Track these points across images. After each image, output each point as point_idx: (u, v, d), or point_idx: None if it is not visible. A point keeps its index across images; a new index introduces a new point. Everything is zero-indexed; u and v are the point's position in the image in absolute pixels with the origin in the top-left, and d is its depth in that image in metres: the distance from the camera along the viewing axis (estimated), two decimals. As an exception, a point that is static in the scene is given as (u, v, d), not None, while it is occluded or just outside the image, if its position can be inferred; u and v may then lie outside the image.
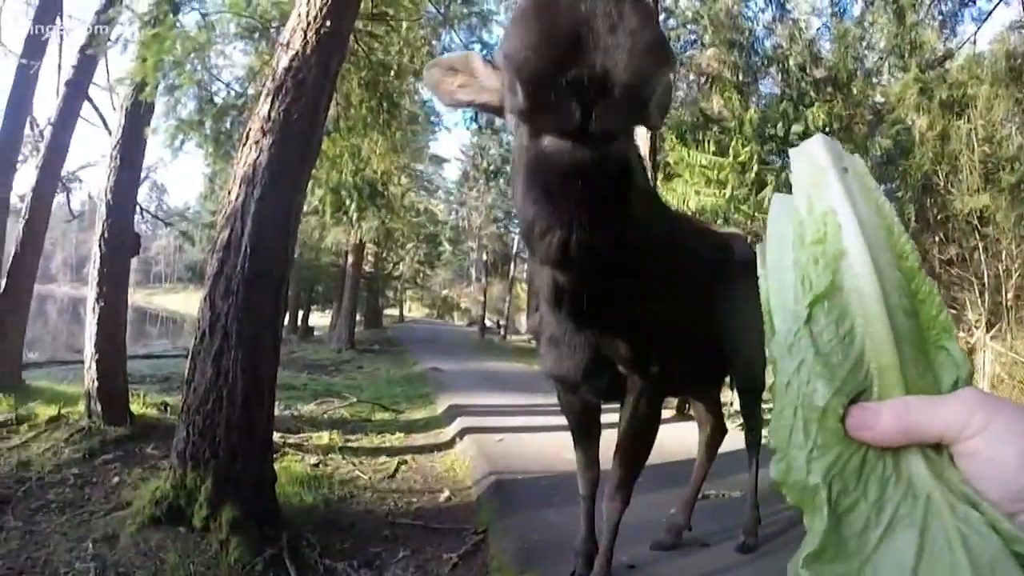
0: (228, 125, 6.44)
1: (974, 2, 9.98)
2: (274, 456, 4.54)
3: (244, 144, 3.86)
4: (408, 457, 5.74)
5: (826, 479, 0.45)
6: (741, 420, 3.84)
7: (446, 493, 4.72)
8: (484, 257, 32.21)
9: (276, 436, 5.36)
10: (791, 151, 0.55)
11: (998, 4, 9.73)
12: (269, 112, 3.76)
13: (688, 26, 13.00)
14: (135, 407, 5.72)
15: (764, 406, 3.70)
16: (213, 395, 3.57)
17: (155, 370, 10.11)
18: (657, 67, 0.71)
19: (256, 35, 6.57)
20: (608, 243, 1.37)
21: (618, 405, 2.39)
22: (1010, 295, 9.61)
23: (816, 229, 0.50)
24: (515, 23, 0.77)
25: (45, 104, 7.22)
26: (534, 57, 0.70)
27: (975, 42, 9.99)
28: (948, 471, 0.45)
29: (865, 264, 0.48)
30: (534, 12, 0.74)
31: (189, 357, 3.76)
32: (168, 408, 6.01)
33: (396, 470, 5.29)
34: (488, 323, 30.11)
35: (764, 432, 4.09)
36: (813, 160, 0.53)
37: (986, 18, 9.94)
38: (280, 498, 3.91)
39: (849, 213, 0.50)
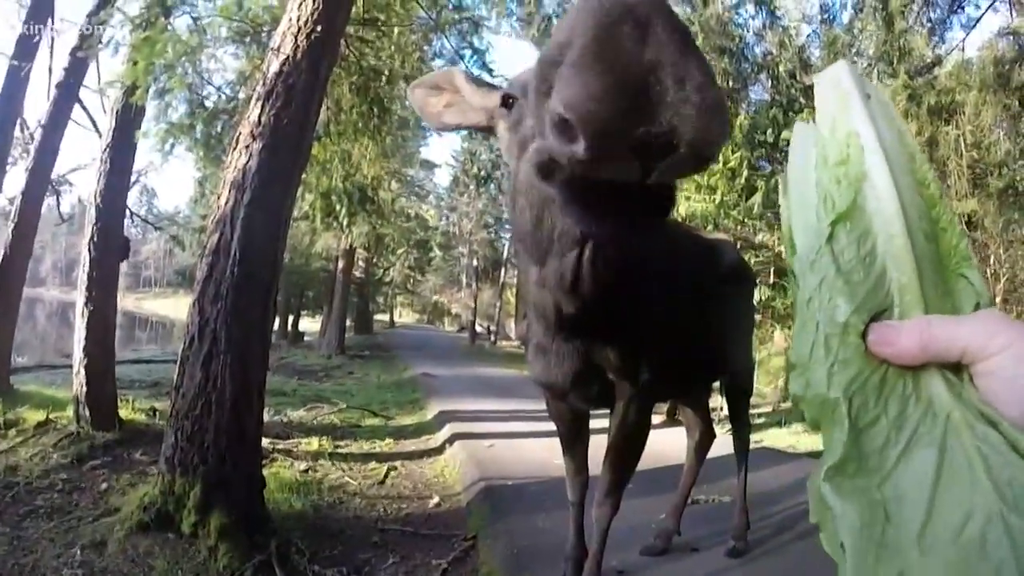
0: (219, 129, 6.42)
1: (963, 9, 10.04)
2: (263, 462, 4.52)
3: (234, 149, 3.85)
4: (398, 463, 5.73)
5: (847, 393, 0.46)
6: (730, 425, 3.84)
7: (436, 499, 4.71)
8: (474, 263, 32.17)
9: (265, 442, 5.34)
10: (815, 76, 0.57)
11: (986, 11, 9.82)
12: (259, 117, 3.76)
13: (678, 33, 13.05)
14: (124, 412, 5.69)
15: (752, 411, 3.72)
16: (202, 400, 3.55)
17: (144, 375, 10.05)
18: (723, 128, 0.70)
19: (247, 39, 6.56)
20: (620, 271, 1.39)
21: (607, 410, 2.39)
22: (998, 298, 9.68)
23: (839, 151, 0.51)
24: (577, 68, 0.73)
25: (36, 106, 7.18)
26: (601, 110, 0.66)
27: (963, 49, 10.05)
28: (967, 391, 0.45)
29: (887, 186, 0.49)
30: (598, 58, 0.70)
31: (178, 362, 3.73)
32: (157, 413, 5.98)
33: (386, 476, 5.28)
34: (478, 328, 30.11)
35: (753, 436, 4.11)
36: (837, 84, 0.54)
37: (974, 25, 10.01)
38: (269, 504, 3.89)
39: (872, 136, 0.51)
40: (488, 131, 1.53)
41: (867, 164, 0.50)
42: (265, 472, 4.20)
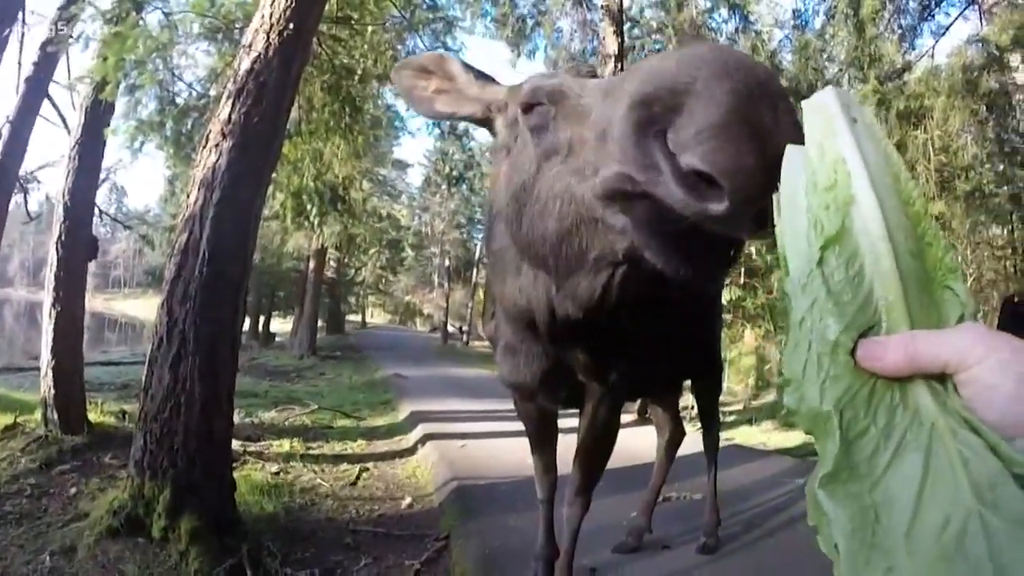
0: (189, 127, 6.35)
1: (933, 17, 10.25)
2: (234, 464, 4.47)
3: (204, 147, 3.80)
4: (370, 464, 5.70)
5: (837, 407, 0.49)
6: (700, 423, 3.88)
7: (408, 500, 4.69)
8: (447, 263, 32.15)
9: (236, 444, 5.28)
10: (803, 103, 0.60)
11: (956, 19, 10.04)
12: (230, 115, 3.71)
13: (653, 36, 13.19)
14: (93, 415, 5.59)
15: (723, 409, 3.77)
16: (171, 403, 3.50)
17: (114, 377, 9.90)
18: None
19: (219, 36, 6.50)
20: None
21: (575, 410, 2.40)
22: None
23: (827, 176, 0.54)
24: (727, 135, 0.74)
25: (3, 101, 7.01)
26: (753, 183, 0.70)
27: (933, 55, 10.25)
28: (951, 400, 0.49)
29: (873, 209, 0.52)
30: (746, 130, 0.73)
31: (146, 364, 3.67)
32: (126, 416, 5.88)
33: (358, 477, 5.25)
34: (451, 329, 30.11)
35: (723, 434, 4.18)
36: (824, 111, 0.57)
37: (944, 32, 10.22)
38: (240, 507, 3.85)
39: (858, 161, 0.53)
40: (481, 124, 1.49)
41: (854, 188, 0.53)
42: (236, 474, 4.16)
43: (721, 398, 3.97)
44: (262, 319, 25.50)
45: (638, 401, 6.78)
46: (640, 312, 1.60)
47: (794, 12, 12.29)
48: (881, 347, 0.50)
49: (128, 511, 3.39)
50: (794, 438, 7.61)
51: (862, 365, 0.50)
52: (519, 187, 1.25)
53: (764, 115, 0.70)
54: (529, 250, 1.29)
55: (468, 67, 1.49)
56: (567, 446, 2.54)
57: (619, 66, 9.26)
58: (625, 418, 7.40)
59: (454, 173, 30.36)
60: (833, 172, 0.54)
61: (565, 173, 1.11)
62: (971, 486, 0.44)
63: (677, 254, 0.94)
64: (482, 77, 1.50)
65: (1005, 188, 10.16)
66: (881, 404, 0.49)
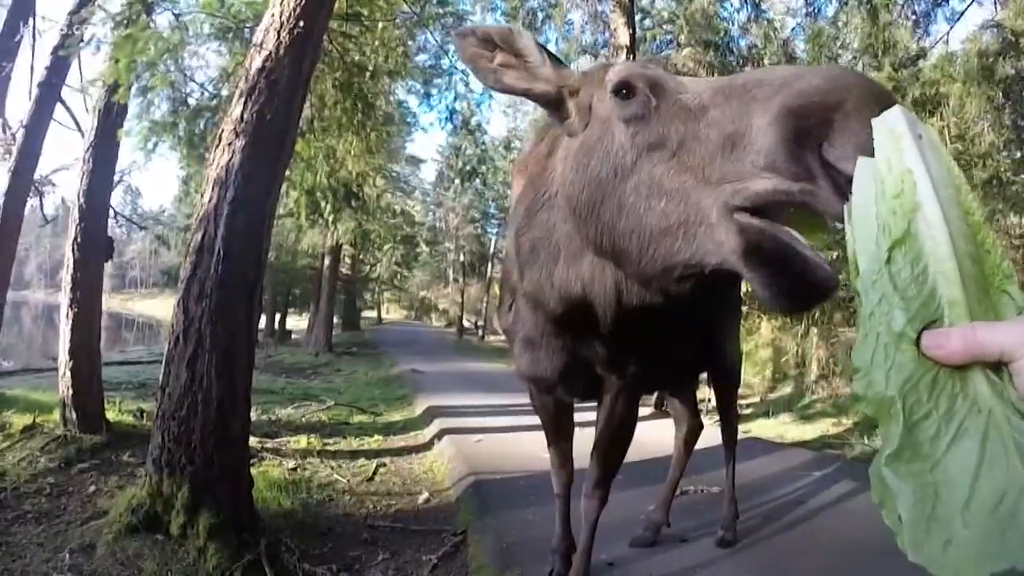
0: (201, 127, 6.37)
1: (947, 2, 10.10)
2: (252, 461, 4.51)
3: (217, 146, 3.82)
4: (386, 459, 5.72)
5: (901, 392, 0.54)
6: (718, 416, 3.85)
7: (425, 495, 4.70)
8: (461, 258, 32.12)
9: (254, 441, 5.31)
10: (873, 120, 0.66)
11: (971, 4, 9.88)
12: (242, 114, 3.72)
13: (664, 26, 13.11)
14: (111, 414, 5.64)
15: (740, 401, 3.74)
16: (188, 400, 3.52)
17: (131, 376, 9.96)
18: None
19: (230, 35, 6.52)
20: None
21: (592, 402, 2.39)
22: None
23: (895, 186, 0.60)
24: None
25: (17, 106, 7.07)
26: None
27: (948, 41, 10.09)
28: (1007, 390, 0.53)
29: (937, 216, 0.57)
30: None
31: (163, 363, 3.70)
32: (144, 415, 5.93)
33: (374, 473, 5.27)
34: (466, 324, 30.11)
35: (741, 427, 4.14)
36: (892, 127, 0.63)
37: (959, 18, 10.06)
38: (258, 503, 3.87)
39: (923, 173, 0.59)
40: (547, 105, 1.45)
41: (919, 197, 0.58)
42: (253, 471, 4.18)
43: (739, 391, 3.94)
44: (278, 316, 25.63)
45: (655, 394, 6.75)
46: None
47: (806, 0, 12.17)
48: (944, 336, 0.54)
49: (146, 508, 3.42)
50: (811, 431, 7.56)
51: (926, 354, 0.55)
52: (605, 174, 1.22)
53: None
54: (605, 240, 1.26)
55: (540, 46, 1.46)
56: (584, 440, 2.53)
57: (631, 57, 9.19)
58: (643, 411, 7.34)
59: (467, 168, 30.29)
60: (900, 182, 0.59)
61: (679, 171, 1.09)
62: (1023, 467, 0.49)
63: (776, 284, 0.96)
64: (552, 57, 1.47)
65: (1023, 176, 10.01)
66: (942, 392, 0.54)
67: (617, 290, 1.49)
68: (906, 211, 0.58)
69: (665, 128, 1.12)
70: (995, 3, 9.53)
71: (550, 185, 1.55)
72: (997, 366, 0.53)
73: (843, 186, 0.83)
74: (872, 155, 0.68)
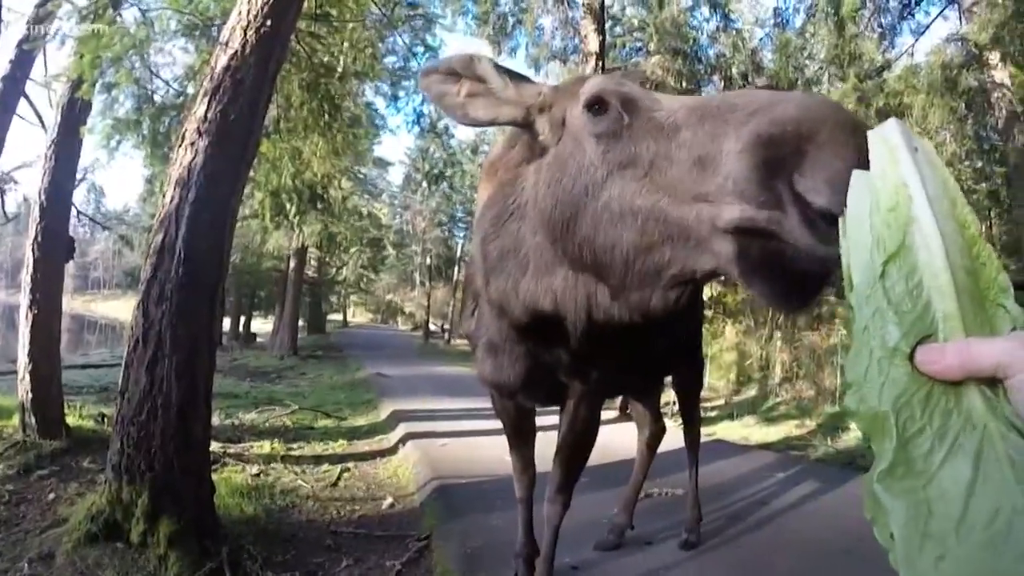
0: (166, 125, 6.26)
1: (913, 16, 10.39)
2: (214, 467, 4.45)
3: (180, 145, 3.75)
4: (351, 464, 5.67)
5: (895, 407, 0.53)
6: (681, 419, 3.88)
7: (389, 500, 4.67)
8: (428, 261, 31.99)
9: (217, 446, 5.24)
10: (869, 133, 0.66)
11: (936, 18, 10.16)
12: (206, 113, 3.66)
13: (634, 34, 13.25)
14: (71, 419, 5.53)
15: (705, 404, 3.79)
16: (148, 405, 3.44)
17: (93, 380, 9.74)
18: None
19: (197, 33, 6.43)
20: None
21: (555, 407, 2.39)
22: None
23: (890, 199, 0.59)
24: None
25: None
26: None
27: (912, 54, 10.38)
28: (1002, 405, 0.52)
29: (932, 229, 0.56)
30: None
31: (123, 366, 3.62)
32: (105, 419, 5.80)
33: (339, 478, 5.22)
34: (432, 327, 30.02)
35: (706, 429, 4.19)
36: (888, 141, 0.63)
37: (924, 31, 10.36)
38: (220, 510, 3.80)
39: (919, 186, 0.58)
40: (520, 126, 1.44)
41: (914, 210, 0.57)
42: (216, 477, 4.12)
43: (703, 394, 3.99)
44: (243, 319, 25.33)
45: (620, 398, 6.79)
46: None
47: (775, 11, 12.42)
48: (939, 351, 0.53)
49: (106, 516, 3.33)
50: (775, 433, 7.67)
51: (920, 369, 0.54)
52: (576, 190, 1.22)
53: None
54: (584, 254, 1.25)
55: (500, 68, 1.43)
56: (547, 444, 2.53)
57: (600, 64, 9.25)
58: (607, 415, 7.39)
59: (435, 171, 30.22)
60: (895, 195, 0.59)
61: (651, 190, 1.09)
62: (1018, 484, 0.48)
63: (778, 290, 0.96)
64: (516, 78, 1.45)
65: (983, 185, 10.33)
66: (936, 407, 0.53)
67: (589, 304, 1.48)
68: (901, 224, 0.57)
69: (637, 146, 1.12)
70: (960, 18, 9.79)
71: (520, 195, 1.52)
72: (992, 382, 0.53)
73: (812, 217, 0.84)
74: (844, 187, 0.68)
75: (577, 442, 2.41)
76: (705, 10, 12.67)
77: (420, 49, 7.88)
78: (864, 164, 0.74)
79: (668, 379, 3.73)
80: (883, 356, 0.55)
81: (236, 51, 3.72)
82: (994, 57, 8.76)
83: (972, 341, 0.53)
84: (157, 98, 6.63)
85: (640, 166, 1.11)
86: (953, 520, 0.49)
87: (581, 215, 1.21)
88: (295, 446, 6.21)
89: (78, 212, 7.46)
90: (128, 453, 3.41)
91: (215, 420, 6.62)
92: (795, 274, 0.92)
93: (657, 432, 3.69)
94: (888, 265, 0.57)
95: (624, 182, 1.13)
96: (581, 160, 1.22)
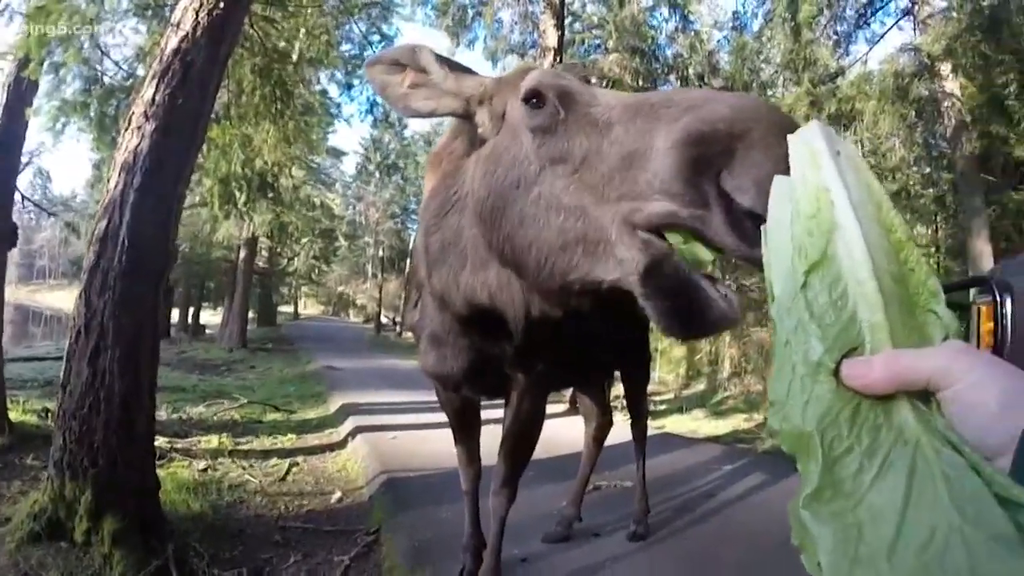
0: (115, 108, 6.07)
1: (869, 25, 10.68)
2: (160, 462, 4.36)
3: (126, 129, 3.64)
4: (300, 458, 5.60)
5: (819, 426, 0.50)
6: (629, 413, 3.93)
7: (338, 494, 4.62)
8: (381, 253, 31.70)
9: (163, 441, 5.12)
10: (789, 137, 0.62)
11: (891, 28, 10.47)
12: (153, 96, 3.55)
13: (593, 31, 13.33)
14: (14, 414, 5.36)
15: (655, 398, 3.84)
16: (90, 398, 3.34)
17: (38, 373, 9.35)
18: None
19: (148, 13, 6.24)
20: None
21: (500, 400, 2.41)
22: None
23: (811, 205, 0.56)
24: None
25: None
26: None
27: (867, 62, 10.65)
28: (935, 419, 0.49)
29: (856, 235, 0.53)
30: None
31: (64, 358, 3.50)
32: (49, 414, 5.60)
33: (287, 472, 5.16)
34: (384, 320, 29.77)
35: (655, 422, 4.26)
36: (808, 144, 0.60)
37: (879, 40, 10.64)
38: (166, 506, 3.72)
39: (841, 191, 0.55)
40: (466, 118, 1.42)
41: (837, 216, 0.54)
42: (162, 473, 4.04)
43: (652, 387, 4.04)
44: (191, 311, 24.73)
45: (569, 391, 6.84)
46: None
47: (734, 14, 12.64)
48: (866, 365, 0.51)
49: (49, 515, 3.23)
50: (724, 426, 7.85)
51: (846, 383, 0.51)
52: (508, 183, 1.20)
53: None
54: (506, 249, 1.24)
55: (442, 59, 1.42)
56: (494, 437, 2.54)
57: (558, 59, 9.29)
58: (556, 408, 7.49)
59: (388, 162, 29.88)
60: (816, 201, 0.56)
61: (579, 187, 1.07)
62: (953, 504, 0.45)
63: (675, 315, 0.95)
64: (457, 68, 1.44)
65: (931, 190, 10.69)
66: (865, 424, 0.50)
67: (525, 300, 1.49)
68: (823, 232, 0.54)
69: (570, 142, 1.10)
70: (915, 28, 10.08)
71: (461, 187, 1.51)
72: (924, 395, 0.50)
73: (738, 217, 0.83)
74: (771, 188, 0.65)
75: (522, 434, 2.42)
76: (665, 10, 12.83)
77: (376, 37, 7.85)
78: None
79: (617, 373, 3.78)
80: (806, 372, 0.52)
81: (187, 33, 3.63)
82: (946, 68, 9.02)
83: (901, 353, 0.51)
84: (106, 80, 6.42)
85: (571, 162, 1.09)
86: (885, 544, 0.45)
87: (510, 209, 1.20)
88: (243, 440, 6.10)
89: (23, 197, 7.15)
90: (70, 449, 3.31)
91: (162, 415, 6.50)
92: (693, 303, 0.91)
93: (604, 425, 3.72)
94: (810, 275, 0.54)
95: (554, 178, 1.12)
96: (516, 153, 1.21)
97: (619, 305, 1.25)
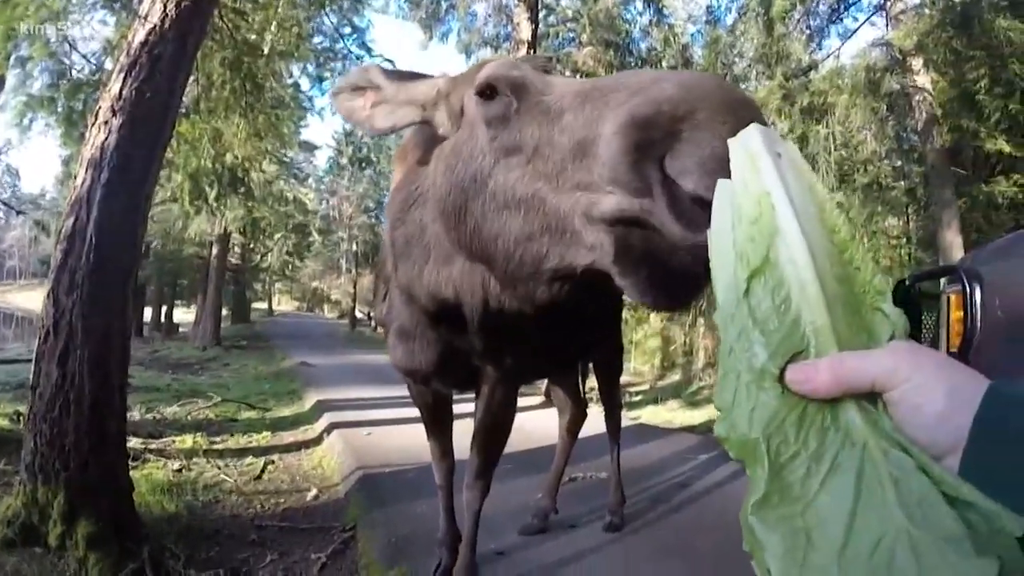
0: (82, 103, 5.95)
1: (841, 20, 10.80)
2: (134, 463, 4.31)
3: (94, 124, 3.57)
4: (275, 456, 5.56)
5: (765, 433, 0.50)
6: (602, 404, 3.95)
7: (314, 491, 4.60)
8: (354, 248, 31.44)
9: (137, 442, 5.07)
10: (729, 140, 0.61)
11: (864, 23, 10.58)
12: (120, 90, 3.49)
13: (567, 24, 13.37)
14: (-16, 419, 5.19)
15: (630, 389, 3.86)
16: (60, 400, 3.28)
17: (8, 376, 9.15)
18: None
19: (117, 5, 6.12)
20: None
21: (471, 393, 2.41)
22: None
23: (752, 210, 0.55)
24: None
25: None
26: None
27: (839, 56, 10.71)
28: (882, 420, 0.50)
29: (798, 239, 0.53)
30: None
31: (33, 360, 3.44)
32: (20, 418, 5.47)
33: (263, 471, 5.11)
34: (359, 315, 29.66)
35: (630, 413, 4.28)
36: (748, 148, 0.59)
37: (851, 35, 10.74)
38: (141, 508, 3.67)
39: (782, 194, 0.55)
40: (425, 123, 1.43)
41: (778, 220, 0.54)
42: (136, 474, 3.99)
43: (628, 379, 4.07)
44: (164, 308, 24.38)
45: (544, 383, 6.84)
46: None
47: (707, 8, 12.73)
48: (811, 369, 0.51)
49: (22, 519, 3.17)
50: (699, 416, 7.92)
51: (792, 389, 0.51)
52: (467, 179, 1.20)
53: None
54: (473, 245, 1.24)
55: (390, 73, 1.44)
56: (468, 431, 2.55)
57: (532, 52, 9.30)
58: (530, 400, 7.53)
59: (361, 155, 29.57)
60: (757, 205, 0.55)
61: (533, 177, 1.06)
62: (901, 506, 0.45)
63: (656, 286, 0.93)
64: (405, 77, 1.45)
65: (902, 182, 10.84)
66: (812, 427, 0.50)
67: (485, 295, 1.50)
68: (765, 237, 0.54)
69: (522, 132, 1.10)
70: (887, 24, 10.19)
71: (423, 182, 1.52)
72: (871, 395, 0.50)
73: (682, 203, 0.81)
74: (718, 169, 0.65)
75: (493, 427, 2.42)
76: (639, 3, 12.92)
77: (347, 30, 7.77)
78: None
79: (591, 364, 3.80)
80: (751, 380, 0.52)
81: (155, 25, 3.56)
82: (917, 63, 9.11)
83: (846, 355, 0.51)
84: (74, 74, 6.30)
85: (524, 152, 1.09)
86: (835, 549, 0.45)
87: (471, 204, 1.20)
88: (218, 439, 6.04)
89: (-10, 195, 6.99)
90: (42, 452, 3.25)
91: (135, 415, 6.40)
92: (671, 270, 0.88)
93: (578, 416, 3.73)
94: (752, 281, 0.53)
95: (509, 170, 1.11)
96: (473, 147, 1.21)
97: (591, 294, 1.25)
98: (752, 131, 0.60)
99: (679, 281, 0.90)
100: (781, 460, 0.49)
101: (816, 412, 0.51)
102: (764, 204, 0.55)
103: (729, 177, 0.60)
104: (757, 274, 0.53)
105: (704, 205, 0.74)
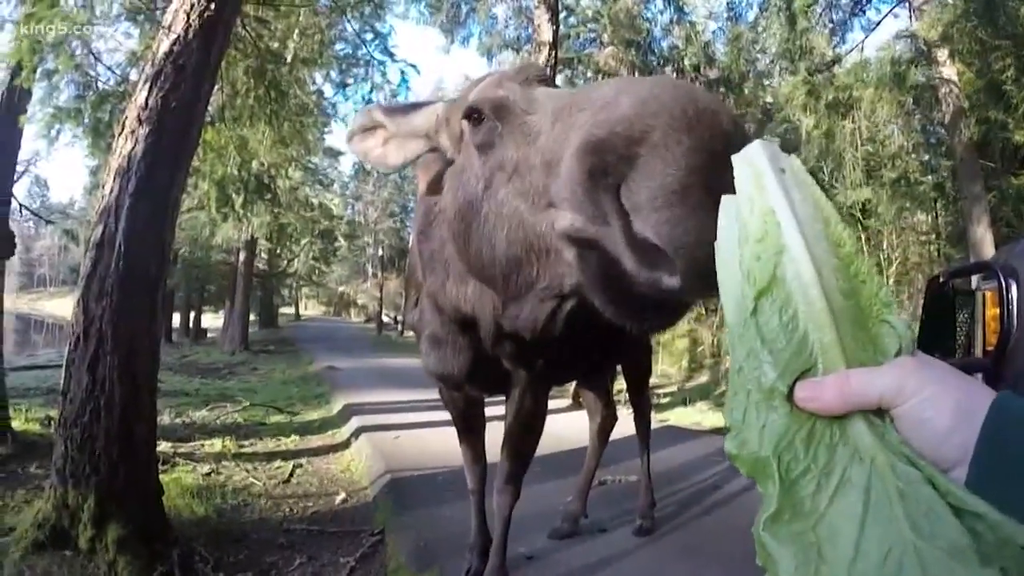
0: (108, 114, 6.04)
1: (864, 12, 10.64)
2: (164, 467, 4.36)
3: (120, 134, 3.63)
4: (303, 460, 5.60)
5: (776, 451, 0.51)
6: (631, 407, 3.91)
7: (342, 495, 4.61)
8: (380, 252, 31.69)
9: (167, 446, 5.13)
10: (733, 158, 0.60)
11: (887, 15, 10.42)
12: (146, 100, 3.54)
13: (588, 25, 13.32)
14: (17, 423, 5.34)
15: (658, 391, 3.82)
16: (90, 405, 3.33)
17: (40, 382, 9.37)
18: None
19: (140, 17, 6.22)
20: None
21: (502, 396, 2.39)
22: (891, 281, 10.32)
23: (758, 228, 0.55)
24: (682, 200, 0.70)
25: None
26: (711, 264, 0.62)
27: (863, 49, 10.58)
28: (890, 434, 0.51)
29: (803, 256, 0.53)
30: (707, 201, 0.68)
31: (64, 366, 3.49)
32: (51, 422, 5.59)
33: (291, 474, 5.14)
34: (385, 319, 29.85)
35: (659, 415, 4.25)
36: (752, 164, 0.58)
37: (875, 27, 10.59)
38: (170, 511, 3.71)
39: (787, 211, 0.55)
40: (434, 150, 1.45)
41: (784, 237, 0.54)
42: (166, 477, 4.03)
43: (656, 380, 4.03)
44: (192, 314, 24.73)
45: (573, 385, 6.80)
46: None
47: (728, 4, 12.60)
48: (818, 387, 0.51)
49: (53, 523, 3.22)
50: (727, 418, 7.82)
51: (800, 406, 0.51)
52: (466, 204, 1.20)
53: (727, 177, 0.61)
54: (476, 269, 1.25)
55: (388, 109, 1.48)
56: (498, 434, 2.53)
57: (554, 54, 9.28)
58: (559, 404, 7.50)
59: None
60: (763, 223, 0.55)
61: (513, 196, 1.07)
62: (908, 518, 0.46)
63: (626, 307, 0.90)
64: (403, 110, 1.48)
65: (929, 177, 10.65)
66: (821, 443, 0.51)
67: (495, 313, 1.51)
68: (771, 255, 0.54)
69: (505, 155, 1.10)
70: (910, 15, 10.02)
71: (441, 200, 1.52)
72: (878, 411, 0.51)
73: (638, 235, 0.77)
74: (672, 201, 0.66)
75: (524, 430, 2.41)
76: (659, 2, 12.83)
77: (369, 36, 7.82)
78: (704, 161, 0.71)
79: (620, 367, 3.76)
80: (760, 399, 0.52)
81: (179, 36, 3.61)
82: (942, 54, 8.95)
83: (852, 373, 0.51)
84: (100, 85, 6.41)
85: (507, 174, 1.09)
86: (845, 563, 0.46)
87: (472, 228, 1.20)
88: (247, 443, 6.09)
89: (20, 206, 7.14)
90: (72, 456, 3.30)
91: (165, 419, 6.49)
92: (635, 297, 0.86)
93: (608, 419, 3.71)
94: (760, 300, 0.54)
95: (497, 193, 1.11)
96: (469, 172, 1.21)
97: None
98: (756, 148, 0.59)
99: (647, 307, 0.88)
100: (792, 476, 0.50)
101: (825, 428, 0.51)
102: (769, 222, 0.55)
103: (686, 211, 0.63)
104: (764, 293, 0.54)
105: (655, 249, 0.74)
